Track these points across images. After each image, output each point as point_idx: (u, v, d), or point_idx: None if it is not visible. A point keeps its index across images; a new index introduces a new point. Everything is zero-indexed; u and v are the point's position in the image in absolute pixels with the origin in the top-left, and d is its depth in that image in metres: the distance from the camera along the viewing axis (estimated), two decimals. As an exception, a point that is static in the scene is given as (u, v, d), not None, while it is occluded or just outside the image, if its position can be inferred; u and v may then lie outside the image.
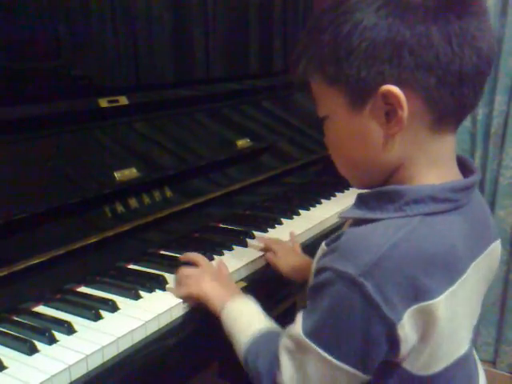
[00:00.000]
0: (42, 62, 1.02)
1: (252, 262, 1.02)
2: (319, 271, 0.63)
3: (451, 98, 0.60)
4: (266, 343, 0.72)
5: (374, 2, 0.59)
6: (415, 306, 0.58)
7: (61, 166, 0.97)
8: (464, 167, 0.68)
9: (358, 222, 0.64)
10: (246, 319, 0.79)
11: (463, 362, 0.68)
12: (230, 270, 0.97)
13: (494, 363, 1.94)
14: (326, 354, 0.61)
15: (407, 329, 0.59)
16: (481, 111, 1.82)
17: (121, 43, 1.15)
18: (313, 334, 0.62)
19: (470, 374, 0.72)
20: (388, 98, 0.59)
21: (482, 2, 0.61)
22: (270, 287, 1.06)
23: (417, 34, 0.57)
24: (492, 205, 1.84)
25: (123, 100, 1.10)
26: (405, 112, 0.59)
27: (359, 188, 0.70)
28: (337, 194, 1.46)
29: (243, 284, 0.96)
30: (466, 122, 1.87)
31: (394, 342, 0.59)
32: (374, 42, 0.58)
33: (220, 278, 0.90)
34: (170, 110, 1.22)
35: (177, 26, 1.28)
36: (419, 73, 0.58)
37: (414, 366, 0.63)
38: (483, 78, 0.61)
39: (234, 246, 1.08)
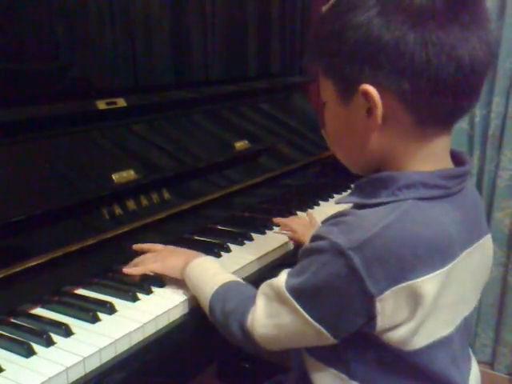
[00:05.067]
0: (40, 64, 1.03)
1: (249, 263, 1.02)
2: (315, 238, 0.66)
3: (427, 103, 0.61)
4: (235, 288, 0.78)
5: (375, 5, 0.60)
6: (401, 285, 0.61)
7: (59, 168, 0.97)
8: (457, 160, 0.71)
9: (358, 207, 0.67)
10: (212, 272, 0.84)
11: (446, 344, 0.70)
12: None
13: (491, 365, 1.94)
14: (302, 310, 0.66)
15: (389, 304, 0.61)
16: (478, 113, 1.82)
17: (119, 45, 1.15)
18: (295, 290, 0.67)
19: (453, 356, 0.73)
20: (367, 96, 0.62)
21: (478, 12, 0.60)
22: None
23: (395, 37, 0.59)
24: (490, 206, 1.84)
25: (121, 102, 1.10)
26: (379, 111, 0.62)
27: (357, 173, 0.73)
28: (335, 195, 1.46)
29: (241, 286, 0.96)
30: (464, 124, 1.87)
31: (371, 314, 0.62)
32: (359, 41, 0.61)
33: (179, 250, 0.96)
34: (168, 111, 1.22)
35: (175, 28, 1.28)
36: (393, 77, 0.60)
37: (392, 339, 0.65)
38: (466, 85, 0.61)
39: (232, 248, 1.08)
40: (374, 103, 0.62)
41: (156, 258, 0.94)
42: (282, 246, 1.12)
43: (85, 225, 0.97)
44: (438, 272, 0.63)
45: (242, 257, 1.04)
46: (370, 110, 0.63)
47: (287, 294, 0.67)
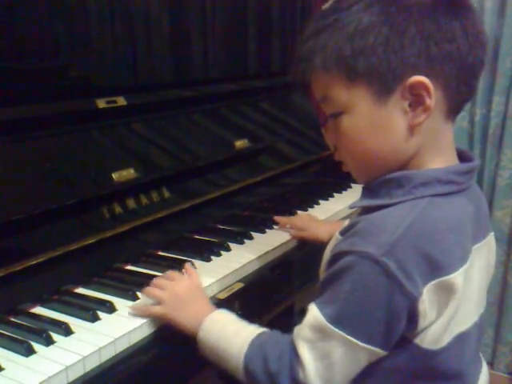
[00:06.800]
0: (40, 63, 1.02)
1: (249, 262, 1.02)
2: (337, 257, 0.64)
3: (465, 88, 0.65)
4: (270, 343, 0.69)
5: (391, 1, 0.63)
6: (434, 281, 0.61)
7: (58, 167, 0.97)
8: (462, 158, 0.71)
9: (369, 210, 0.66)
10: (232, 329, 0.74)
11: (466, 339, 0.69)
12: (228, 271, 0.97)
13: (491, 364, 1.94)
14: (351, 338, 0.62)
15: (426, 303, 0.61)
16: (479, 112, 1.82)
17: (119, 44, 1.15)
18: (337, 319, 0.63)
19: (474, 355, 0.73)
20: (415, 88, 0.62)
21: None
22: (267, 288, 1.06)
23: (442, 29, 0.62)
24: (490, 205, 1.84)
25: (121, 101, 1.09)
26: (433, 101, 0.63)
27: (367, 181, 0.71)
28: (335, 194, 1.46)
29: (240, 285, 0.96)
30: (464, 123, 1.87)
31: (413, 316, 0.62)
32: (403, 35, 0.61)
33: (190, 292, 0.82)
34: (167, 110, 1.22)
35: (175, 27, 1.28)
36: (444, 64, 0.62)
37: (424, 340, 0.65)
38: (483, 69, 0.67)
39: (232, 247, 1.08)
40: (428, 93, 0.62)
41: (167, 302, 0.81)
42: (282, 244, 1.12)
43: (84, 223, 0.96)
44: (465, 266, 0.64)
45: (242, 256, 1.04)
46: (416, 103, 0.63)
47: (331, 327, 0.62)
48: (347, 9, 0.64)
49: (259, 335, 0.71)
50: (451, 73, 0.63)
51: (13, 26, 0.96)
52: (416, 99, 0.63)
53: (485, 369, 0.79)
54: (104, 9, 1.11)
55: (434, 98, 0.63)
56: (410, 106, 0.64)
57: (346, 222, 1.05)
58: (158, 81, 1.26)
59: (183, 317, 0.79)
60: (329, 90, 0.68)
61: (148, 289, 0.84)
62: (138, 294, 0.88)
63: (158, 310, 0.81)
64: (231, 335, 0.73)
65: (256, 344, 0.70)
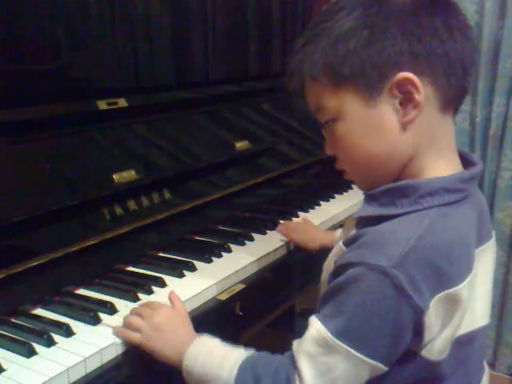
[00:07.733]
0: (41, 64, 1.03)
1: (250, 264, 1.02)
2: (343, 268, 0.63)
3: (456, 82, 0.65)
4: (261, 363, 0.67)
5: (373, 4, 0.63)
6: (441, 294, 0.61)
7: (59, 169, 0.97)
8: (464, 160, 0.71)
9: (373, 219, 0.65)
10: (219, 353, 0.70)
11: (468, 341, 0.69)
12: (229, 272, 0.97)
13: (493, 365, 1.94)
14: (355, 352, 0.61)
15: (432, 316, 0.61)
16: (479, 113, 1.82)
17: (120, 45, 1.15)
18: (343, 332, 0.61)
19: (479, 357, 0.73)
20: (403, 85, 0.63)
21: None
22: (268, 290, 1.06)
23: (424, 26, 0.62)
24: (491, 207, 1.84)
25: (122, 102, 1.10)
26: (422, 96, 0.63)
27: (367, 190, 0.70)
28: (336, 195, 1.46)
29: (241, 286, 0.96)
30: (465, 124, 1.87)
31: (418, 329, 0.61)
32: (384, 36, 0.62)
33: (171, 321, 0.78)
34: (168, 112, 1.22)
35: (176, 29, 1.28)
36: (430, 60, 0.63)
37: (431, 351, 0.64)
38: (474, 65, 0.67)
39: (233, 248, 1.08)
40: (416, 88, 0.62)
41: (141, 326, 0.77)
42: (282, 246, 1.12)
43: (86, 225, 0.96)
44: (470, 275, 0.64)
45: (242, 257, 1.04)
46: (406, 100, 0.63)
47: (337, 341, 0.61)
48: (332, 17, 0.65)
49: (248, 358, 0.68)
50: (439, 68, 0.63)
51: (13, 27, 0.96)
52: (405, 96, 0.63)
53: (486, 369, 0.79)
54: (105, 10, 1.11)
55: (424, 94, 0.63)
56: (400, 104, 0.64)
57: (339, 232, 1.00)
58: (159, 82, 1.26)
59: (162, 346, 0.75)
60: (320, 99, 0.68)
61: (126, 317, 0.80)
62: (139, 294, 0.88)
63: (136, 338, 0.77)
64: (218, 360, 0.69)
65: (246, 366, 0.67)
